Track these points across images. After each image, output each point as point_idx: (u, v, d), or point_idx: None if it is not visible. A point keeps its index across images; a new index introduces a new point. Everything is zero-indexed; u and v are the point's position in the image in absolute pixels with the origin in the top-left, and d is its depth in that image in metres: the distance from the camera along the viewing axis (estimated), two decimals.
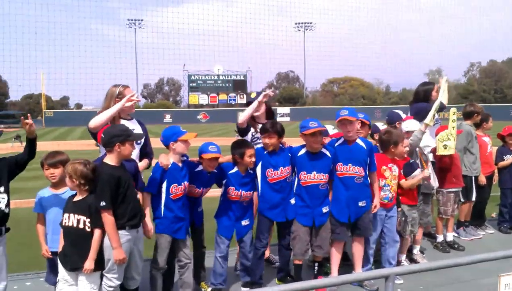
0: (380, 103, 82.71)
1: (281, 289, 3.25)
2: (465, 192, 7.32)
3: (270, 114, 5.98)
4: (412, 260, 6.37)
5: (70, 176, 4.20)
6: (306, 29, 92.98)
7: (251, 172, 5.33)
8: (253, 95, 5.99)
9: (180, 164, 4.95)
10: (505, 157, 7.89)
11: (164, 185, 4.84)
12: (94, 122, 4.71)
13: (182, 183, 4.91)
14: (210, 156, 5.03)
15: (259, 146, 5.44)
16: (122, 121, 4.89)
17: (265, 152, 5.32)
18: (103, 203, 4.14)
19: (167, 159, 4.87)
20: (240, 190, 5.23)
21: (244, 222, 5.36)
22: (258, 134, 5.66)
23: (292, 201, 5.37)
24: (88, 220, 4.19)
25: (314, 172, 5.21)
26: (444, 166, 6.77)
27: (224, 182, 5.30)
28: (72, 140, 37.02)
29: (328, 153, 5.28)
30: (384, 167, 5.66)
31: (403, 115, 6.61)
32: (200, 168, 5.17)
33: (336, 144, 5.40)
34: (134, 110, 5.11)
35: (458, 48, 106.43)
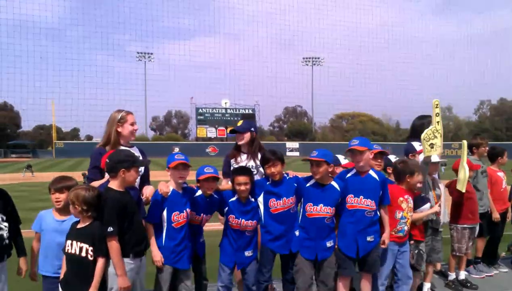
0: (391, 140, 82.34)
1: None
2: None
3: (255, 142, 5.87)
4: None
5: (72, 202, 4.13)
6: (314, 64, 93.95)
7: (253, 200, 5.21)
8: (239, 123, 5.97)
9: (180, 191, 4.86)
10: None
11: (165, 213, 4.73)
12: None
13: (184, 210, 4.81)
14: (205, 176, 4.92)
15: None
16: (125, 149, 4.84)
17: (268, 183, 5.22)
18: (110, 229, 4.08)
19: (167, 186, 4.77)
20: (241, 219, 5.10)
21: (248, 253, 5.20)
22: (237, 164, 5.65)
23: (297, 233, 5.22)
24: (91, 248, 4.09)
25: (321, 205, 5.06)
26: (459, 200, 6.56)
27: (225, 210, 5.20)
28: (82, 171, 36.90)
29: (337, 186, 5.13)
30: (401, 198, 5.47)
31: (418, 148, 6.40)
32: (199, 193, 5.07)
33: (347, 176, 5.26)
34: (133, 138, 5.05)
35: (467, 86, 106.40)
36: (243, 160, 5.77)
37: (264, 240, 5.24)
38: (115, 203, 4.15)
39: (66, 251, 4.19)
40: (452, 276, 6.83)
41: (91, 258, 4.10)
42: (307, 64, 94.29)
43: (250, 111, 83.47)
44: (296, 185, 5.22)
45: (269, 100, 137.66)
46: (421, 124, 6.50)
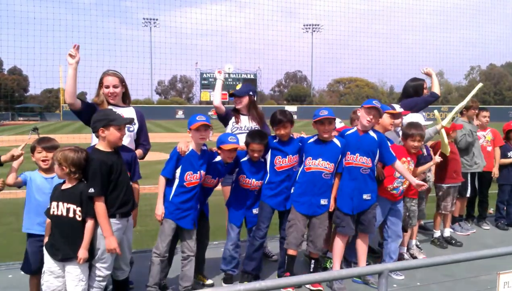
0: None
1: (276, 283, 2.90)
2: (461, 188, 7.02)
3: (253, 105, 5.76)
4: (410, 254, 6.07)
5: (59, 163, 3.86)
6: (314, 31, 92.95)
7: (263, 160, 5.07)
8: (238, 87, 5.88)
9: (199, 152, 4.66)
10: (508, 153, 7.65)
11: (178, 171, 4.58)
12: (66, 95, 4.53)
13: (198, 172, 4.63)
14: (229, 147, 4.74)
15: (241, 136, 5.20)
16: (114, 108, 4.57)
17: (275, 141, 5.05)
18: (91, 190, 3.84)
19: (186, 146, 4.59)
20: (251, 178, 5.00)
21: (255, 211, 5.11)
22: (238, 125, 5.60)
23: (292, 190, 5.07)
24: (79, 208, 3.86)
25: (320, 159, 4.87)
26: (444, 161, 6.37)
27: (236, 169, 5.06)
28: (88, 133, 36.74)
29: (338, 143, 4.95)
30: (404, 159, 5.32)
31: (399, 110, 6.14)
32: (218, 158, 4.88)
33: (347, 133, 5.08)
34: (112, 100, 4.74)
35: (458, 51, 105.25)
36: (242, 122, 5.66)
37: (264, 195, 5.09)
38: (99, 163, 3.92)
39: (52, 213, 3.93)
40: (437, 233, 6.77)
41: (79, 219, 3.87)
42: (307, 31, 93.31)
43: (252, 76, 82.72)
44: (300, 143, 5.08)
45: (271, 66, 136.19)
46: (413, 85, 6.66)
